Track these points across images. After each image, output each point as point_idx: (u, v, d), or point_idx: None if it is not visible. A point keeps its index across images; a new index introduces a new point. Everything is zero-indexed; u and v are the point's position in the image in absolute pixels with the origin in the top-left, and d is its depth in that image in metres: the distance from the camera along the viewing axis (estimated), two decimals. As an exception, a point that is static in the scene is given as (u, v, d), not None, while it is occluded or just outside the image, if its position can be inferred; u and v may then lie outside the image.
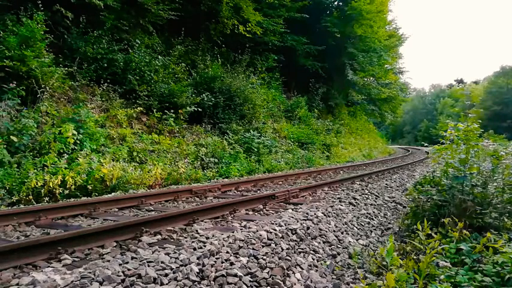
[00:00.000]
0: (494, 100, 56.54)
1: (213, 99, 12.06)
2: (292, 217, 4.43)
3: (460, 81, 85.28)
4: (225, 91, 12.76)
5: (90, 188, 6.53)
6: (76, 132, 7.18)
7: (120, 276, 2.43)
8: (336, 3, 22.65)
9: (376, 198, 6.98)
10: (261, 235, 3.57)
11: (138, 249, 3.06)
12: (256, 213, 4.94)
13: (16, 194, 5.58)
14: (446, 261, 3.13)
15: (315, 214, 4.70)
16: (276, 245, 3.51)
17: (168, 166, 8.61)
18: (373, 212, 6.08)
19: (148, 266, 2.62)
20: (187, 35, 13.70)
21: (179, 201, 5.89)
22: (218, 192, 6.80)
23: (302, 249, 3.74)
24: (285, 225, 4.04)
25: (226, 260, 2.97)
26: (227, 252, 3.10)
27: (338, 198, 6.17)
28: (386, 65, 29.05)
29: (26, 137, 6.53)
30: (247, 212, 5.00)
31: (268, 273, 3.03)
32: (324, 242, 4.14)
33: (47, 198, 5.89)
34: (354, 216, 5.46)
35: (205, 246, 3.09)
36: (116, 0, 9.99)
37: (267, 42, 17.15)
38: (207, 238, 3.40)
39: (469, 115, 4.48)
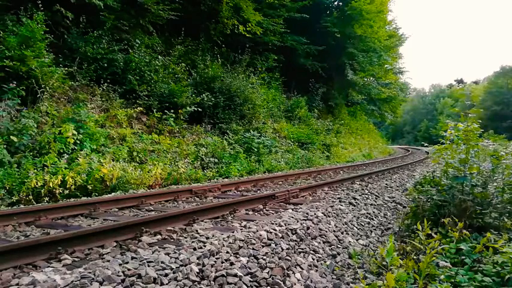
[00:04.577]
0: (494, 100, 56.61)
1: (213, 99, 12.06)
2: (292, 217, 4.43)
3: (460, 81, 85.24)
4: (225, 91, 12.76)
5: (90, 188, 6.53)
6: (76, 132, 7.18)
7: (120, 276, 2.43)
8: (336, 3, 22.67)
9: (376, 198, 6.98)
10: (261, 235, 3.57)
11: (138, 249, 3.06)
12: (256, 213, 4.94)
13: (16, 194, 5.58)
14: (446, 261, 3.13)
15: (315, 214, 4.70)
16: (276, 245, 3.51)
17: (168, 166, 8.60)
18: (373, 212, 6.08)
19: (148, 266, 2.62)
20: (187, 35, 13.71)
21: (179, 201, 5.88)
22: (218, 192, 6.79)
23: (302, 249, 3.74)
24: (285, 225, 4.04)
25: (226, 260, 2.97)
26: (227, 252, 3.10)
27: (338, 198, 6.17)
28: (386, 65, 29.08)
29: (26, 137, 6.53)
30: (247, 212, 5.00)
31: (268, 273, 3.03)
32: (324, 242, 4.14)
33: (47, 198, 5.89)
34: (354, 216, 5.46)
35: (205, 246, 3.09)
36: (116, 0, 9.99)
37: (267, 42, 17.15)
38: (207, 238, 3.40)
39: (469, 115, 4.48)
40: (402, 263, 2.99)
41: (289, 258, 3.38)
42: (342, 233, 4.60)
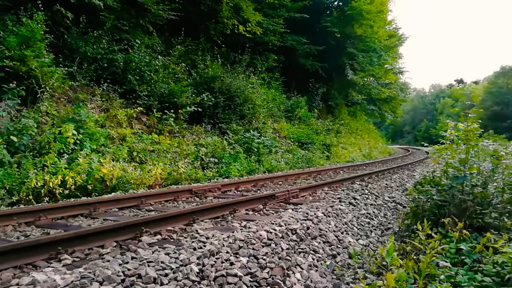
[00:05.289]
0: (494, 100, 56.58)
1: (213, 99, 12.06)
2: (292, 217, 4.43)
3: (460, 81, 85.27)
4: (225, 91, 12.76)
5: (90, 188, 6.53)
6: (76, 132, 7.18)
7: (120, 276, 2.43)
8: (336, 3, 22.67)
9: (376, 198, 6.98)
10: (261, 235, 3.57)
11: (138, 249, 3.06)
12: (256, 213, 4.94)
13: (16, 194, 5.58)
14: (446, 261, 3.13)
15: (315, 214, 4.70)
16: (276, 245, 3.51)
17: (168, 166, 8.60)
18: (373, 212, 6.08)
19: (148, 266, 2.62)
20: (187, 35, 13.71)
21: (179, 201, 5.88)
22: (218, 192, 6.79)
23: (302, 249, 3.74)
24: (285, 225, 4.04)
25: (226, 260, 2.97)
26: (227, 252, 3.10)
27: (338, 198, 6.17)
28: (386, 65, 29.10)
29: (26, 137, 6.53)
30: (247, 212, 5.00)
31: (268, 273, 3.03)
32: (324, 242, 4.14)
33: (47, 198, 5.89)
34: (354, 216, 5.46)
35: (205, 246, 3.09)
36: (116, 0, 9.99)
37: (267, 42, 17.15)
38: (207, 238, 3.40)
39: (469, 115, 4.48)
40: (402, 263, 2.99)
41: (289, 258, 3.38)
42: (342, 233, 4.60)
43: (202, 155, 10.05)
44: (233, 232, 3.59)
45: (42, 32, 7.78)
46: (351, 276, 3.53)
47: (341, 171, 11.77)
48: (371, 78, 28.91)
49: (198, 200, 6.05)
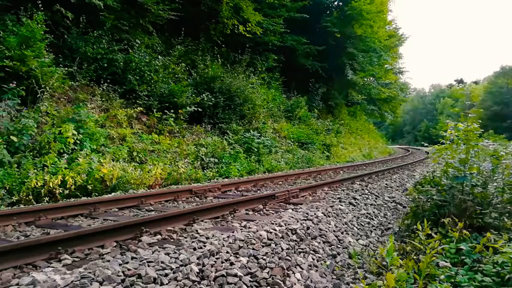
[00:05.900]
0: (494, 100, 56.57)
1: (213, 99, 12.07)
2: (292, 217, 4.43)
3: (460, 81, 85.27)
4: (225, 91, 12.76)
5: (90, 188, 6.53)
6: (76, 132, 7.18)
7: (120, 276, 2.42)
8: (336, 3, 22.68)
9: (376, 198, 6.98)
10: (261, 235, 3.57)
11: (138, 249, 3.06)
12: (256, 213, 4.94)
13: (16, 194, 5.58)
14: (446, 261, 3.13)
15: (315, 214, 4.70)
16: (276, 245, 3.51)
17: (168, 166, 8.60)
18: (373, 212, 6.08)
19: (148, 266, 2.62)
20: (187, 35, 13.71)
21: (179, 201, 5.88)
22: (218, 192, 6.79)
23: (302, 249, 3.74)
24: (285, 225, 4.04)
25: (226, 260, 2.97)
26: (227, 252, 3.10)
27: (338, 198, 6.17)
28: (386, 65, 29.13)
29: (26, 137, 6.53)
30: (247, 212, 5.00)
31: (268, 273, 3.03)
32: (324, 242, 4.14)
33: (47, 198, 5.89)
34: (354, 216, 5.46)
35: (205, 246, 3.09)
36: (116, 0, 9.99)
37: (267, 42, 17.16)
38: (207, 238, 3.40)
39: (469, 115, 4.48)
40: (402, 263, 2.99)
41: (289, 258, 3.38)
42: (342, 233, 4.60)
43: (202, 155, 10.05)
44: (233, 232, 3.59)
45: (42, 32, 7.78)
46: (351, 276, 3.53)
47: (341, 171, 11.77)
48: (371, 78, 28.94)
49: (198, 200, 6.05)
